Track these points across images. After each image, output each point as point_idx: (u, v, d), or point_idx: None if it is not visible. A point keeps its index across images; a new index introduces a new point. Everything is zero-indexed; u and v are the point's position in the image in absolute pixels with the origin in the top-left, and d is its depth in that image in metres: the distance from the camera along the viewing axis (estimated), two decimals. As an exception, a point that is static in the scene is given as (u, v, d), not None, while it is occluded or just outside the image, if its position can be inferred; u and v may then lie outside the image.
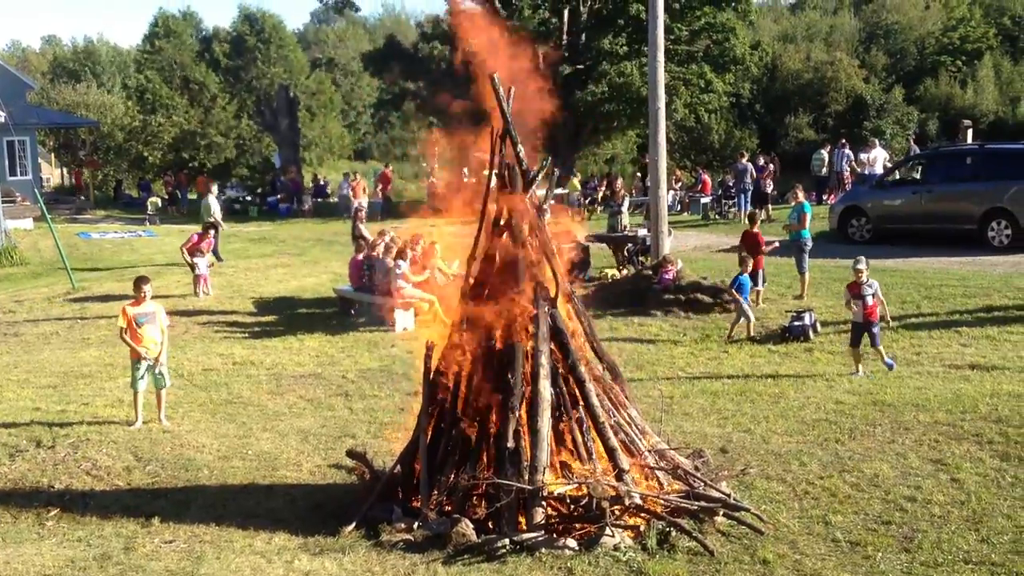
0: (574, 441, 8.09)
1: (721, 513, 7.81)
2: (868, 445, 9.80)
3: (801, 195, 18.76)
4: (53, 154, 51.67)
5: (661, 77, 18.20)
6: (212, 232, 23.14)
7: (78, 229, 33.64)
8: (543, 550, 7.36)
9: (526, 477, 7.67)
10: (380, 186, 39.42)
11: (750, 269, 16.05)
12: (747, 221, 17.64)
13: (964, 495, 8.37)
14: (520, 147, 8.42)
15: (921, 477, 8.84)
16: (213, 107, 49.77)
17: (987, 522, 7.78)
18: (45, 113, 45.19)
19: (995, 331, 14.18)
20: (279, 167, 48.12)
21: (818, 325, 14.73)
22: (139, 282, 11.47)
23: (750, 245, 16.94)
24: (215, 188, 28.32)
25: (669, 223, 19.93)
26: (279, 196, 42.74)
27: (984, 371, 12.36)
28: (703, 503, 7.86)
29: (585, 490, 7.67)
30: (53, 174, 53.11)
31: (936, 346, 13.74)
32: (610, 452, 7.99)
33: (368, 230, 22.00)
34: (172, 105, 49.11)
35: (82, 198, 42.85)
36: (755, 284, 16.59)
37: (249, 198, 44.22)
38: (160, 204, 39.04)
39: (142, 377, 11.18)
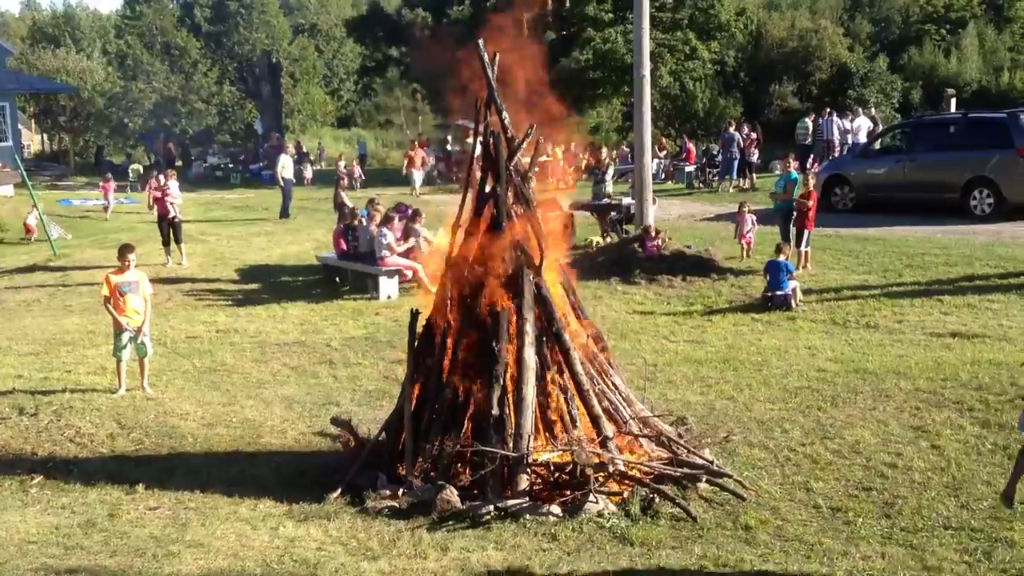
0: (558, 408, 8.12)
1: (704, 480, 7.86)
2: (850, 412, 9.87)
3: (792, 165, 18.77)
4: (33, 120, 51.11)
5: (646, 44, 18.09)
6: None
7: (59, 196, 33.38)
8: (527, 516, 7.40)
9: (511, 444, 7.71)
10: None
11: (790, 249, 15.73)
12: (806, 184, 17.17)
13: (944, 462, 8.44)
14: (505, 114, 8.38)
15: (902, 444, 8.92)
16: (194, 73, 49.27)
17: (967, 488, 7.85)
18: (25, 79, 44.63)
19: (976, 299, 14.24)
20: (261, 134, 47.77)
21: (800, 294, 14.78)
22: (123, 250, 11.36)
23: (803, 208, 16.62)
24: (291, 148, 29.85)
25: (653, 192, 19.93)
26: (261, 163, 42.46)
27: (965, 339, 12.43)
28: (686, 470, 7.92)
29: (569, 457, 7.71)
30: (33, 140, 52.58)
31: (918, 314, 13.81)
32: (594, 419, 8.03)
33: (349, 198, 21.93)
34: (153, 71, 48.57)
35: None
36: (803, 244, 16.65)
37: (231, 165, 43.93)
38: (142, 171, 38.73)
39: (125, 346, 11.12)
